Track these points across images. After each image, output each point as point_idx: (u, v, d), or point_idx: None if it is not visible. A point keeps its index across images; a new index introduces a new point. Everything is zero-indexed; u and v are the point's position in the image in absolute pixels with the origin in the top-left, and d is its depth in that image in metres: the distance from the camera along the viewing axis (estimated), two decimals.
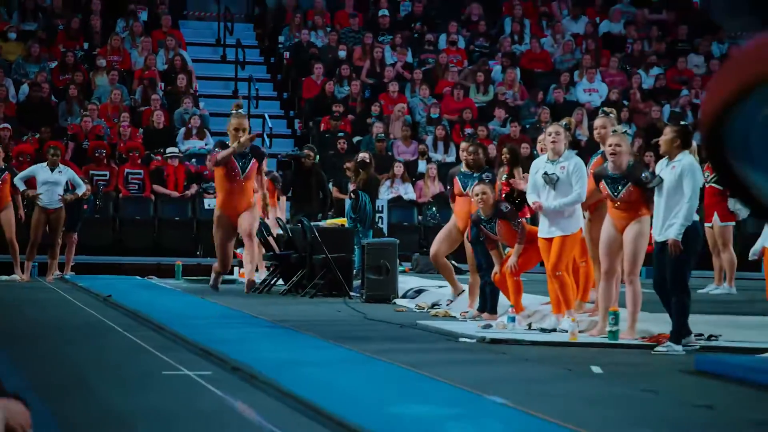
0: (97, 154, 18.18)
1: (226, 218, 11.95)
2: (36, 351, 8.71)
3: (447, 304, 13.41)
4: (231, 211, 11.93)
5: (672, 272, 9.20)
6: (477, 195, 12.02)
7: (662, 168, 9.55)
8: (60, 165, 15.70)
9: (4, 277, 15.29)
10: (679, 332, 9.24)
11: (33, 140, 17.67)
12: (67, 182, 15.48)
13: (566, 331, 10.62)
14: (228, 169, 11.50)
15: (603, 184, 10.00)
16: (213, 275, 13.83)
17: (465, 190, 12.80)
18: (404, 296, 14.29)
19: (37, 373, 6.55)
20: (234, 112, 12.67)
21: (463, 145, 14.04)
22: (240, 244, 16.78)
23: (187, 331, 9.54)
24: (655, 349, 9.34)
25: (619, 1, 25.95)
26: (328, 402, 5.52)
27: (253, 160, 11.62)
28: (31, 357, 6.69)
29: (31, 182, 15.39)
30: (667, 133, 9.62)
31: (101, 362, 8.31)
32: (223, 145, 11.98)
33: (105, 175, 18.15)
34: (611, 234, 9.91)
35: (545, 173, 10.91)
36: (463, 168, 13.20)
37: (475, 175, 12.90)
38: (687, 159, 9.50)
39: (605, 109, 13.67)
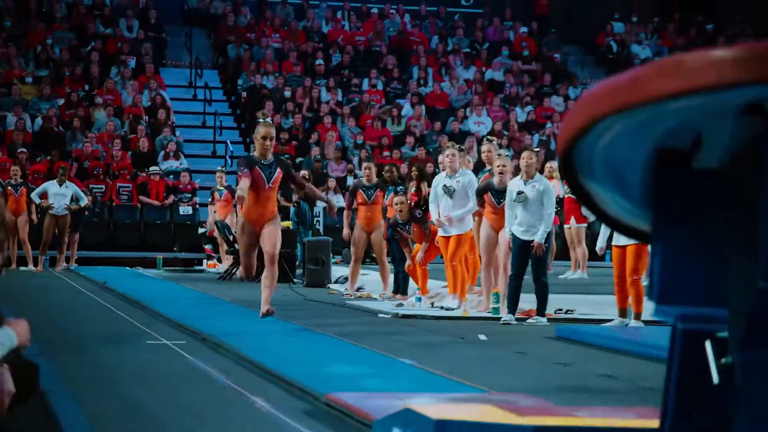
0: (95, 172, 18.59)
1: (249, 226, 9.36)
2: (46, 321, 8.60)
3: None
4: (255, 219, 9.32)
5: (536, 264, 9.40)
6: (397, 204, 12.24)
7: (520, 184, 9.62)
8: (67, 181, 15.58)
9: (23, 268, 15.22)
10: (543, 308, 9.46)
11: (45, 162, 17.84)
12: (72, 195, 15.28)
13: (453, 309, 10.94)
14: (254, 179, 9.10)
15: (488, 195, 10.09)
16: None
17: (369, 200, 12.83)
18: (336, 282, 14.41)
19: (46, 337, 6.54)
20: (261, 120, 10.08)
21: (365, 164, 14.18)
22: (208, 240, 16.87)
23: (165, 309, 9.58)
24: (527, 321, 9.54)
25: (500, 55, 26.24)
26: (275, 363, 5.57)
27: (278, 170, 9.14)
28: (42, 325, 6.54)
29: (43, 195, 15.19)
30: (528, 157, 9.72)
31: (96, 331, 8.34)
32: (247, 160, 9.27)
33: (102, 188, 18.44)
34: (490, 234, 10.07)
35: (444, 185, 11.05)
36: (365, 181, 13.25)
37: (372, 187, 13.02)
38: (544, 181, 9.74)
39: (489, 137, 13.91)
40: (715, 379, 2.14)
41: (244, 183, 8.78)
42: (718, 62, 1.94)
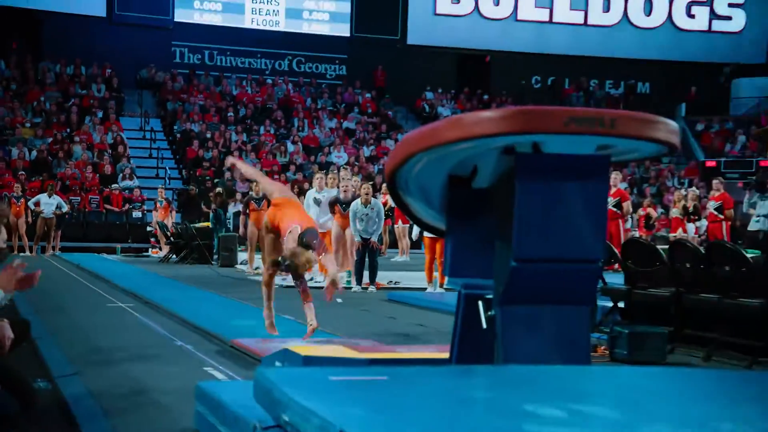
0: (73, 188, 18.61)
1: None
2: (38, 290, 7.88)
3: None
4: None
5: (372, 256, 9.61)
6: None
7: (361, 208, 9.65)
8: (54, 194, 16.31)
9: (21, 254, 15.21)
10: (374, 279, 9.67)
11: (38, 180, 18.29)
12: (57, 203, 16.06)
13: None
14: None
15: (337, 205, 10.05)
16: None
17: (258, 207, 12.28)
18: (240, 264, 13.78)
19: (36, 302, 6.28)
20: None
21: (254, 183, 13.92)
22: (152, 235, 17.17)
23: (122, 282, 9.19)
24: (368, 289, 9.63)
25: (352, 111, 26.50)
26: (196, 319, 5.61)
27: None
28: (35, 292, 5.75)
29: (36, 203, 16.05)
30: (366, 189, 9.89)
31: (73, 297, 8.01)
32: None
33: (78, 199, 18.43)
34: (338, 231, 9.97)
35: (314, 198, 10.71)
36: (254, 195, 12.75)
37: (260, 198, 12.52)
38: (378, 205, 9.99)
39: (345, 166, 14.07)
40: (484, 325, 2.32)
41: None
42: (484, 120, 2.14)
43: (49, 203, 15.61)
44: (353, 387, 1.89)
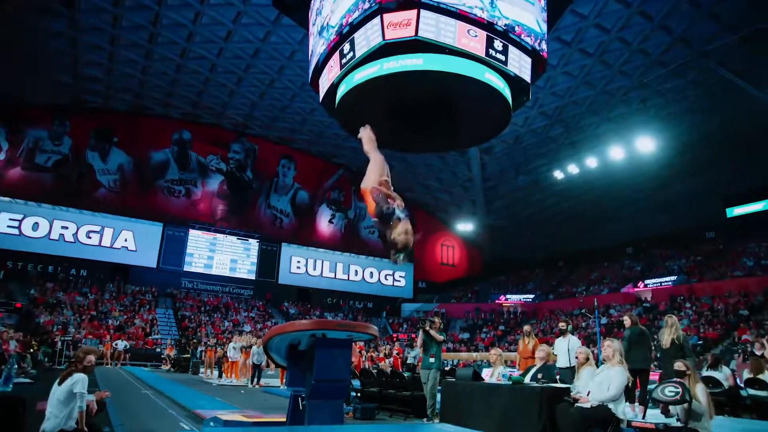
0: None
1: None
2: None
3: None
4: None
5: (259, 372, 12.14)
6: None
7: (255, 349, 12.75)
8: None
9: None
10: (258, 381, 12.24)
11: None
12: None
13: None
14: None
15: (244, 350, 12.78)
16: None
17: None
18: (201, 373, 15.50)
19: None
20: None
21: None
22: None
23: (147, 379, 13.89)
24: (256, 387, 12.08)
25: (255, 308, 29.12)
26: (179, 398, 9.76)
27: None
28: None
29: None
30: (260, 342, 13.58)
31: (124, 388, 11.52)
32: None
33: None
34: (243, 360, 12.49)
35: None
36: None
37: None
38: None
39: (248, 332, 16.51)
40: (301, 408, 5.46)
41: None
42: (304, 324, 5.47)
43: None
44: None
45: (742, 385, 9.82)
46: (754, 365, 9.71)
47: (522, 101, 11.94)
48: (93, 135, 34.20)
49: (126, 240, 34.06)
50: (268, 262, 38.51)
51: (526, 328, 8.80)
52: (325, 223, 41.60)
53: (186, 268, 35.86)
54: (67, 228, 32.74)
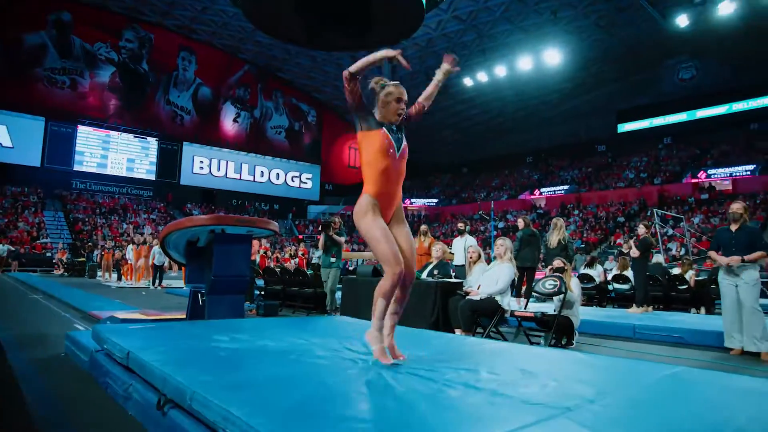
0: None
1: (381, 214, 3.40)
2: None
3: None
4: (387, 203, 3.39)
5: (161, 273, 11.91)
6: None
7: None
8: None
9: None
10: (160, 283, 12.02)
11: None
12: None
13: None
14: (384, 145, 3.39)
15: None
16: None
17: None
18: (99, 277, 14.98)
19: None
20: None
21: None
22: None
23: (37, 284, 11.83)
24: (159, 288, 11.91)
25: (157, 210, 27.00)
26: (74, 301, 9.02)
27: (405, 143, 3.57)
28: None
29: None
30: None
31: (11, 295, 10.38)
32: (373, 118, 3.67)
33: None
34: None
35: None
36: None
37: None
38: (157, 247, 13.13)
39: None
40: (201, 303, 5.46)
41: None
42: (203, 219, 5.34)
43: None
44: (139, 332, 4.65)
45: (610, 280, 11.04)
46: (620, 263, 10.93)
47: (436, 2, 11.66)
48: None
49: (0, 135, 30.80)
50: (169, 162, 36.71)
51: (423, 227, 9.19)
52: (229, 121, 39.84)
53: (76, 168, 33.40)
54: None
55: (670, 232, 23.22)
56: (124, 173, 35.13)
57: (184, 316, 5.67)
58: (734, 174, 28.42)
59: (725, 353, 5.65)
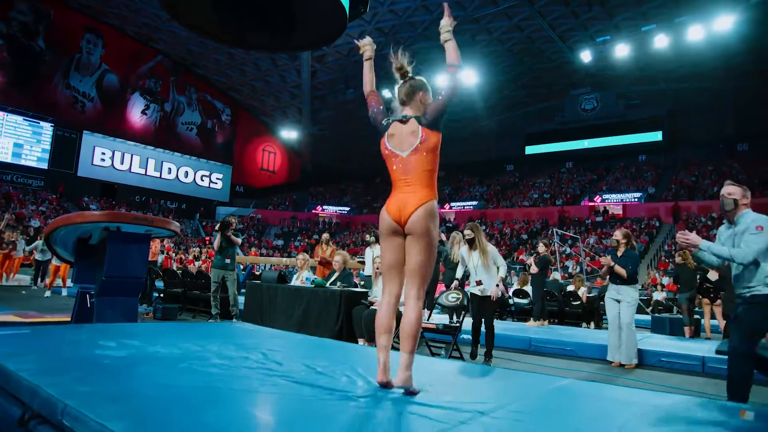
0: None
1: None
2: None
3: None
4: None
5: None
6: None
7: None
8: None
9: None
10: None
11: None
12: None
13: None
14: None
15: None
16: None
17: None
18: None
19: None
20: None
21: None
22: None
23: None
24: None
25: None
26: None
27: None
28: None
29: None
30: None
31: None
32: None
33: None
34: None
35: None
36: None
37: None
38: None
39: None
40: (89, 305, 5.08)
41: None
42: (96, 215, 4.99)
43: None
44: (9, 337, 4.07)
45: (510, 295, 11.55)
46: (521, 278, 11.47)
47: (359, 12, 11.71)
48: None
49: None
50: (66, 150, 34.11)
51: (325, 235, 9.18)
52: (137, 113, 37.79)
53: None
54: None
55: (568, 251, 24.71)
56: (9, 159, 32.21)
57: (69, 320, 5.25)
58: (624, 200, 30.84)
59: (607, 365, 6.08)
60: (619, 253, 6.29)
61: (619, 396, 3.05)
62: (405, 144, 2.98)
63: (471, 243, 6.17)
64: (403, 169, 2.94)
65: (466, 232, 6.24)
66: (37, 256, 13.01)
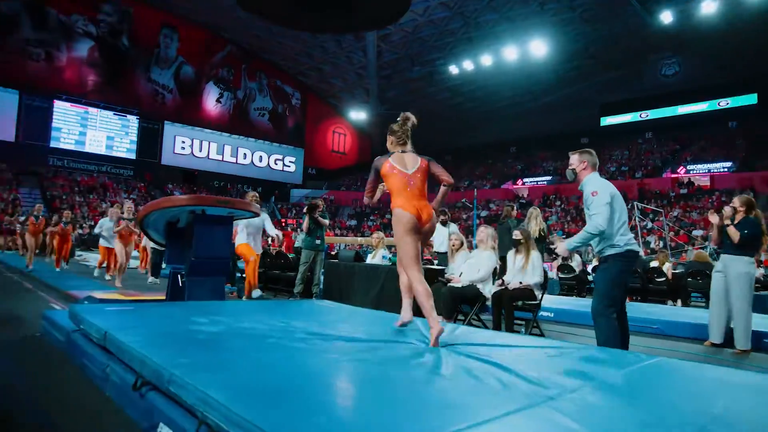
0: None
1: None
2: None
3: None
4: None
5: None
6: None
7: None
8: None
9: None
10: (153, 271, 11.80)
11: None
12: None
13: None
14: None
15: None
16: None
17: None
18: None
19: None
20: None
21: None
22: None
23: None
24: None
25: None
26: (52, 281, 8.74)
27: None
28: None
29: None
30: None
31: None
32: None
33: None
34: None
35: None
36: None
37: None
38: None
39: None
40: (180, 285, 5.38)
41: None
42: (183, 199, 5.24)
43: None
44: (116, 313, 4.52)
45: (589, 271, 11.17)
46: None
47: None
48: None
49: None
50: (150, 141, 36.11)
51: None
52: (212, 102, 39.27)
53: (53, 144, 32.65)
54: None
55: (650, 225, 23.57)
56: (103, 151, 34.47)
57: (164, 298, 5.59)
58: (712, 170, 28.87)
59: (700, 344, 5.73)
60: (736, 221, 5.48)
61: (721, 376, 2.88)
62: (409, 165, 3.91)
63: (517, 245, 5.86)
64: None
65: (516, 233, 5.92)
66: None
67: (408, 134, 4.02)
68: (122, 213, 9.81)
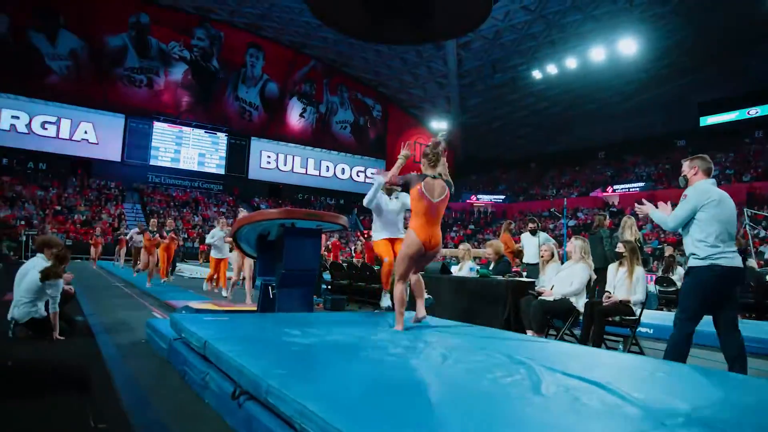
0: None
1: None
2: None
3: None
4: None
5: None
6: None
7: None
8: None
9: None
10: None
11: None
12: None
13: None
14: None
15: None
16: None
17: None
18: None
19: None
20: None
21: None
22: None
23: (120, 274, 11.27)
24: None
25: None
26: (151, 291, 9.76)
27: None
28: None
29: None
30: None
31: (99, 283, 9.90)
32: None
33: None
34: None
35: None
36: None
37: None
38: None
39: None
40: (271, 296, 5.58)
41: None
42: (273, 213, 5.45)
43: None
44: (212, 322, 4.74)
45: None
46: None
47: None
48: (34, 14, 31.50)
49: (86, 132, 33.06)
50: (238, 156, 37.99)
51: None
52: (295, 117, 40.70)
53: (152, 162, 35.30)
54: (18, 118, 31.35)
55: (762, 233, 21.74)
56: (195, 167, 36.64)
57: (255, 309, 5.81)
58: None
59: None
60: None
61: None
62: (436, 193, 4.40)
63: (620, 257, 5.59)
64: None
65: (620, 246, 5.62)
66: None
67: (438, 157, 4.47)
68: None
